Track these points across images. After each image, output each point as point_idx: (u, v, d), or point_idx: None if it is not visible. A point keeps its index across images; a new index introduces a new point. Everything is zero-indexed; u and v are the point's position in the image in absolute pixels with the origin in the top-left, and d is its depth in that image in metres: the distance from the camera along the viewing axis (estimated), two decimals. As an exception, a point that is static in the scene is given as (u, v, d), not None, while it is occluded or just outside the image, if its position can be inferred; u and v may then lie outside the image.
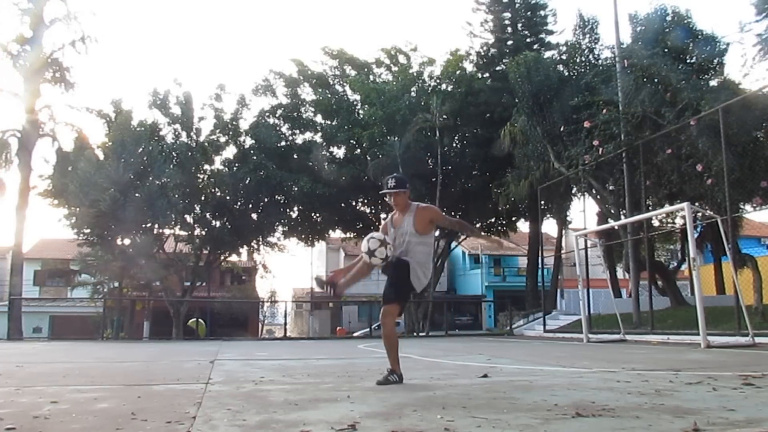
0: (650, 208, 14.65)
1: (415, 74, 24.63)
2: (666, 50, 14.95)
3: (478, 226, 26.70)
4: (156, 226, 22.57)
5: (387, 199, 4.39)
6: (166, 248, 24.07)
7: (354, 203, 25.27)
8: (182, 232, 24.09)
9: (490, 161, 22.08)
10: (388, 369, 4.17)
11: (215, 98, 23.82)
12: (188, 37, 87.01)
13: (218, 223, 23.81)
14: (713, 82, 15.13)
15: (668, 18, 15.73)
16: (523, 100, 18.22)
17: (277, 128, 24.94)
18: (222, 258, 25.60)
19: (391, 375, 4.11)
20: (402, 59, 25.30)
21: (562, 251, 24.76)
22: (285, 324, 21.97)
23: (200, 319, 22.08)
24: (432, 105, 21.81)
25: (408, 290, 4.26)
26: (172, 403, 3.24)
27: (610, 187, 16.82)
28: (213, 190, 23.89)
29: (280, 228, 25.24)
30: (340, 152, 25.18)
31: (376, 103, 22.69)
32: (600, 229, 16.49)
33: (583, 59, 18.27)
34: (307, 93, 25.59)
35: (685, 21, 15.59)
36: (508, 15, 26.21)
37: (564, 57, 20.26)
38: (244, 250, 25.99)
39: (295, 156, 24.22)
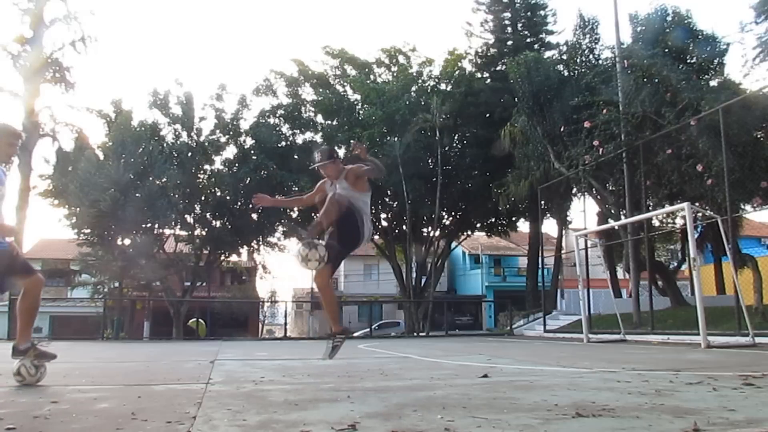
0: (650, 208, 14.64)
1: (414, 74, 24.65)
2: (666, 50, 14.94)
3: (478, 225, 26.79)
4: (156, 226, 22.59)
5: (321, 173, 4.39)
6: (166, 248, 24.08)
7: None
8: (182, 232, 24.11)
9: (490, 161, 22.08)
10: (330, 332, 4.05)
11: (216, 98, 23.86)
12: (189, 37, 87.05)
13: (218, 223, 23.82)
14: (713, 83, 15.12)
15: (668, 18, 15.72)
16: (523, 100, 18.21)
17: (278, 128, 24.94)
18: (222, 258, 25.60)
19: (336, 338, 4.04)
20: (401, 59, 25.32)
21: (563, 251, 24.74)
22: (285, 324, 21.97)
23: (200, 319, 22.08)
24: (432, 105, 21.81)
25: (354, 242, 4.27)
26: (172, 403, 3.24)
27: (610, 187, 16.82)
28: (213, 190, 23.90)
29: (281, 228, 25.24)
30: (340, 152, 25.16)
31: (376, 103, 22.70)
32: (600, 229, 16.47)
33: (584, 59, 18.27)
34: (307, 93, 25.63)
35: (686, 21, 15.58)
36: (508, 15, 26.24)
37: (564, 57, 20.27)
38: (244, 251, 25.99)
39: (296, 156, 24.21)
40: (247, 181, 22.96)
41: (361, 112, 24.24)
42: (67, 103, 38.24)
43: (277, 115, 25.15)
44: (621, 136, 14.82)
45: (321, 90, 25.08)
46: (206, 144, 23.47)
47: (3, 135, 4.11)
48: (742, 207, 13.76)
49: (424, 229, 25.01)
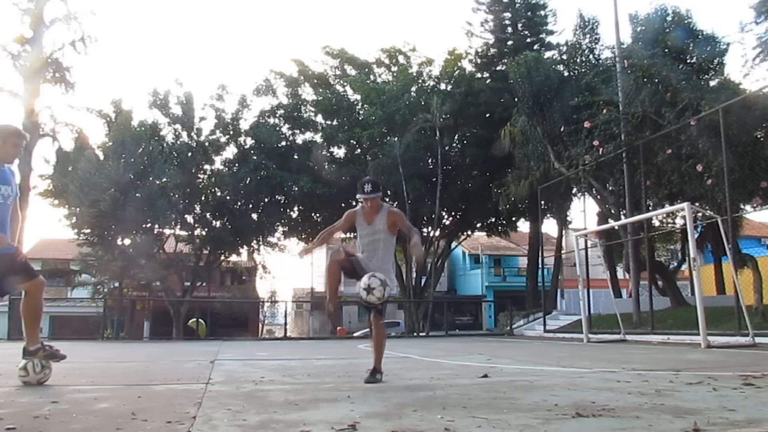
0: (650, 208, 14.64)
1: (414, 74, 24.64)
2: (666, 50, 14.94)
3: (478, 225, 26.78)
4: (156, 226, 22.56)
5: (361, 202, 4.53)
6: (166, 248, 24.07)
7: (354, 203, 25.13)
8: (182, 232, 24.09)
9: (490, 161, 22.08)
10: (372, 369, 4.40)
11: (217, 98, 23.86)
12: (189, 37, 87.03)
13: (218, 223, 23.81)
14: (713, 82, 15.11)
15: (668, 18, 15.72)
16: (523, 100, 18.21)
17: (278, 128, 24.93)
18: (222, 258, 25.60)
19: (378, 374, 4.36)
20: (401, 59, 25.32)
21: (563, 251, 24.74)
22: (285, 324, 21.98)
23: (200, 319, 22.06)
24: (432, 105, 21.81)
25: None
26: (172, 403, 3.24)
27: (610, 187, 16.81)
28: (213, 190, 23.89)
29: (281, 228, 25.23)
30: (340, 152, 25.19)
31: (376, 103, 22.69)
32: (600, 229, 16.47)
33: (584, 59, 18.25)
34: (307, 93, 25.62)
35: (686, 21, 15.58)
36: (508, 15, 26.23)
37: (564, 57, 20.24)
38: (244, 251, 25.97)
39: (296, 156, 24.21)
40: (247, 181, 22.95)
41: (361, 112, 24.23)
42: (67, 103, 38.24)
43: (277, 115, 25.14)
44: (621, 136, 14.82)
45: (321, 90, 25.06)
46: (206, 144, 23.46)
47: (7, 136, 4.12)
48: (742, 207, 13.76)
49: (424, 229, 24.99)
